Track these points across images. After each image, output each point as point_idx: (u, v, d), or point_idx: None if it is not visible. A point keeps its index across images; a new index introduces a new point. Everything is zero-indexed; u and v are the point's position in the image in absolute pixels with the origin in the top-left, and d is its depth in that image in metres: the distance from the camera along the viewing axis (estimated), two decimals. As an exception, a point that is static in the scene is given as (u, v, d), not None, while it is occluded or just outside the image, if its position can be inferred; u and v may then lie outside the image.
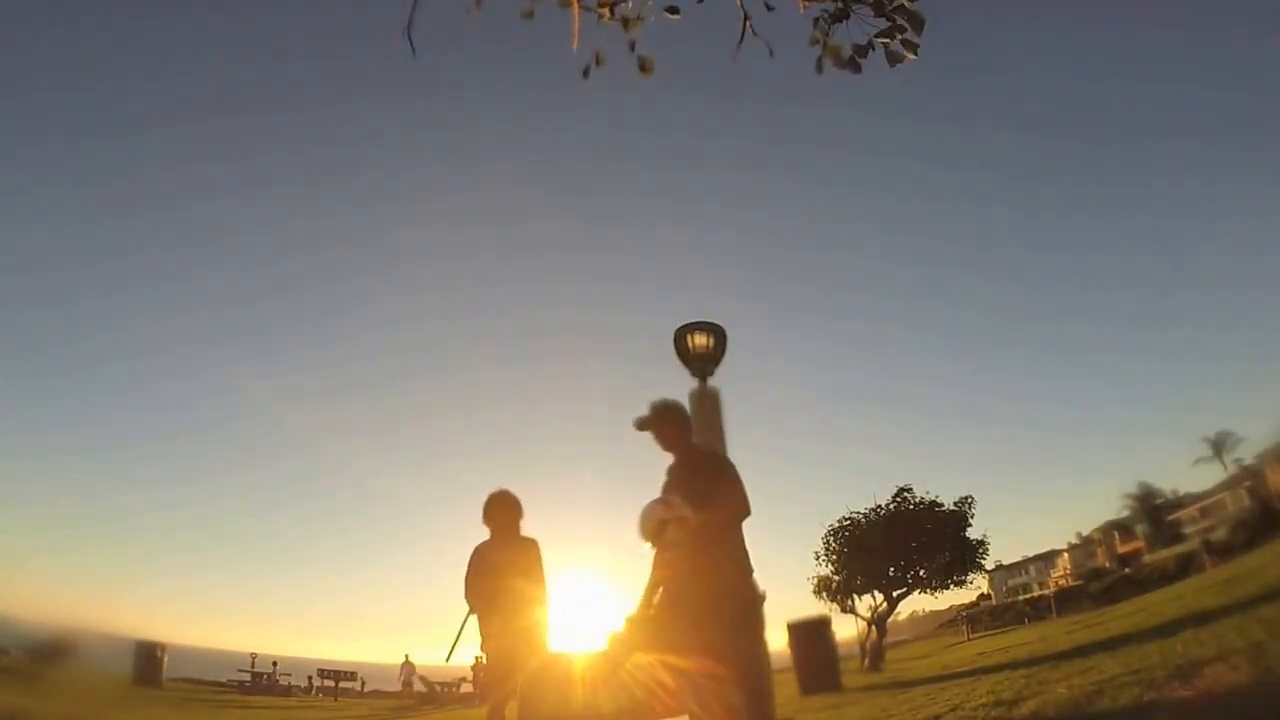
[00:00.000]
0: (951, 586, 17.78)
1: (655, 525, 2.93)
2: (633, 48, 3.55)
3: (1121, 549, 47.40)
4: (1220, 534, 34.67)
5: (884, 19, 3.22)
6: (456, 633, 4.26)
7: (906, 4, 3.22)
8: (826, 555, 18.08)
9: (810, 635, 11.16)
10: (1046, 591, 46.39)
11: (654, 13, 3.51)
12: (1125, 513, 48.37)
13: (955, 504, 17.70)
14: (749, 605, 2.83)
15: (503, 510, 4.41)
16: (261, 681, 19.16)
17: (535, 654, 4.10)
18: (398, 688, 22.28)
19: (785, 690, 8.75)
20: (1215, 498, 40.98)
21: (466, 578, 4.33)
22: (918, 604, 38.10)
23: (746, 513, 3.06)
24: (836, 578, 17.86)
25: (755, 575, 3.02)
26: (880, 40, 3.24)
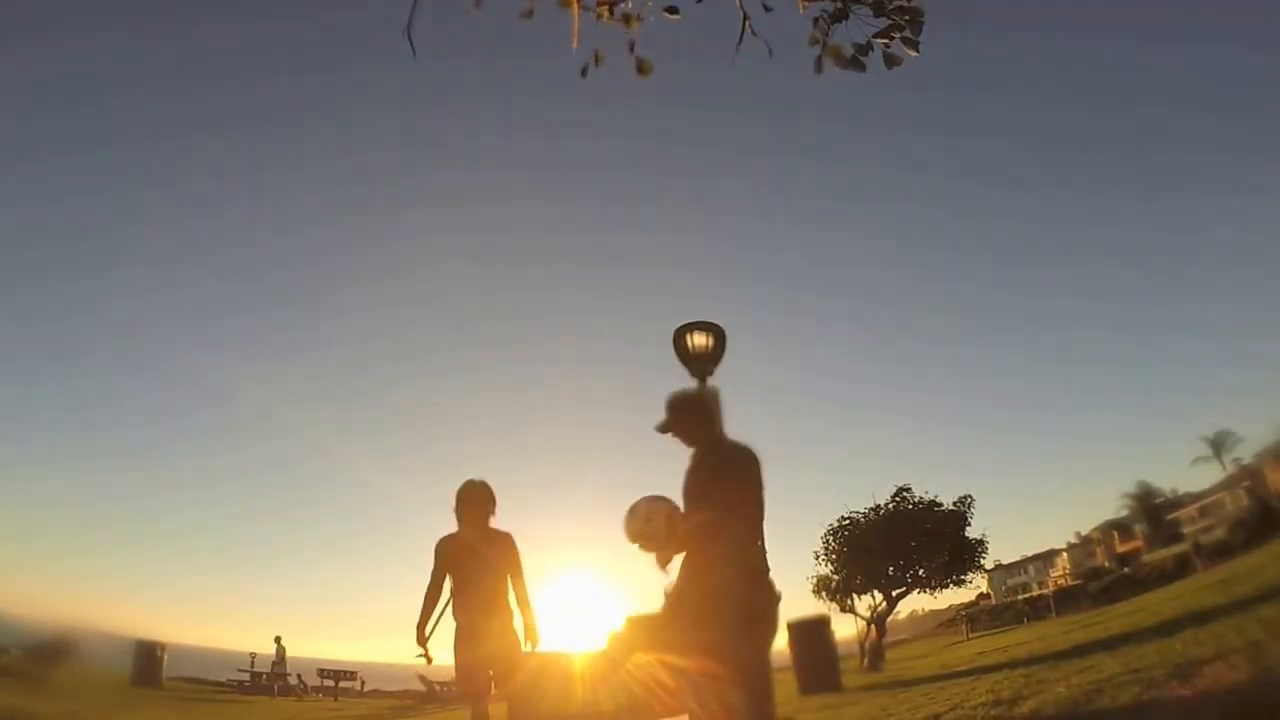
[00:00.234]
0: (951, 586, 17.81)
1: (666, 523, 2.89)
2: (632, 48, 3.55)
3: (1120, 548, 47.44)
4: (1214, 535, 34.70)
5: (884, 18, 3.23)
6: (430, 630, 4.02)
7: (905, 2, 3.22)
8: (826, 555, 18.09)
9: (810, 635, 11.17)
10: (1045, 591, 46.43)
11: (653, 12, 3.52)
12: (1124, 512, 48.46)
13: (954, 503, 17.71)
14: (751, 606, 2.80)
15: (474, 501, 4.16)
16: (261, 681, 19.15)
17: (510, 657, 3.99)
18: (398, 687, 22.29)
19: (784, 689, 8.76)
20: (1214, 497, 41.01)
21: (434, 570, 4.06)
22: (917, 603, 37.93)
23: (760, 516, 2.95)
24: (836, 577, 17.87)
25: (770, 575, 2.95)
26: (879, 41, 3.24)
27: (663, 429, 3.13)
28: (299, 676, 21.49)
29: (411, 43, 3.22)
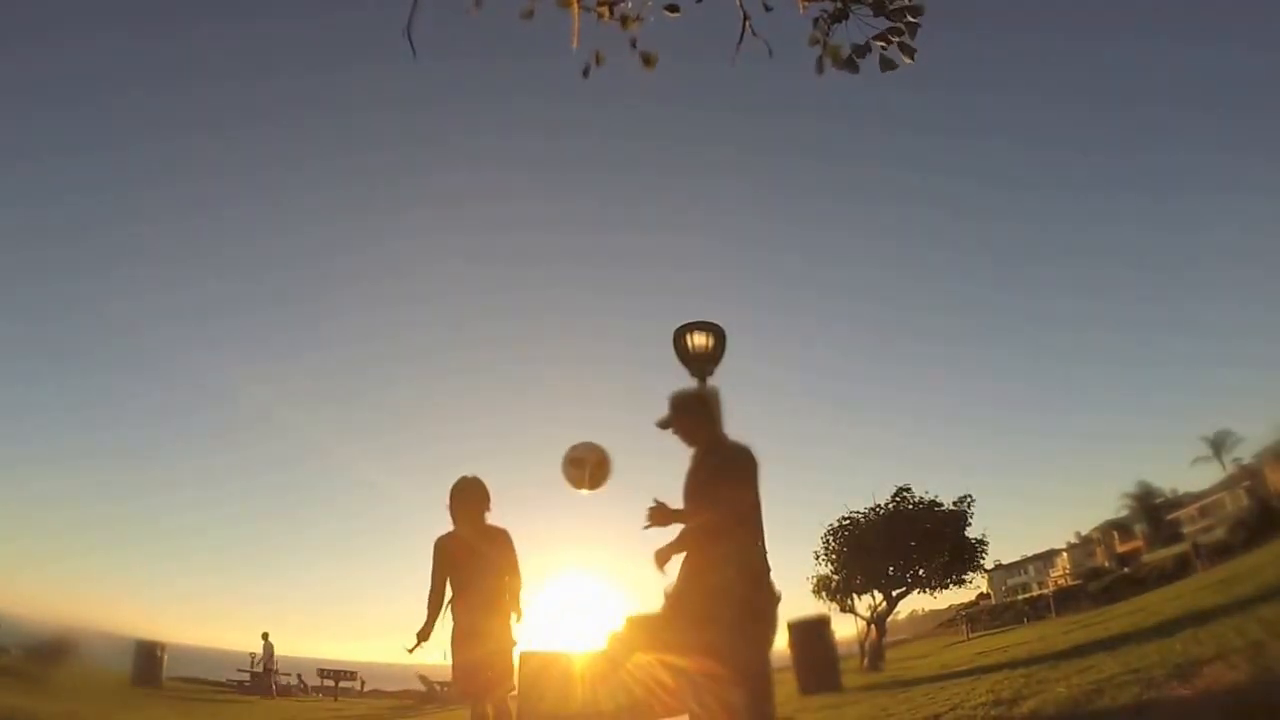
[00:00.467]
0: (951, 586, 17.77)
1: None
2: (634, 45, 3.55)
3: (1120, 548, 47.44)
4: (1214, 535, 34.71)
5: (884, 19, 3.23)
6: (442, 632, 4.00)
7: (906, 2, 3.22)
8: (826, 555, 18.08)
9: (810, 635, 11.16)
10: (1045, 591, 46.44)
11: (653, 12, 3.52)
12: (1124, 512, 48.46)
13: (954, 503, 17.69)
14: (751, 606, 2.80)
15: (470, 498, 4.11)
16: (271, 680, 19.15)
17: (508, 660, 3.97)
18: (398, 687, 22.30)
19: (784, 689, 8.75)
20: (1214, 497, 41.00)
21: (434, 570, 4.04)
22: (917, 603, 37.93)
23: (760, 516, 2.97)
24: (836, 577, 17.86)
25: (771, 576, 2.95)
26: (877, 44, 3.24)
27: (663, 425, 3.15)
28: (299, 677, 21.50)
29: (411, 43, 3.22)
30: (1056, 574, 50.92)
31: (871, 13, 3.23)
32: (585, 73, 3.57)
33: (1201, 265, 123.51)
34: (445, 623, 4.02)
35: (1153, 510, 46.38)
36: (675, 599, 2.88)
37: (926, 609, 45.19)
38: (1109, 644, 7.13)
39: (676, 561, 2.96)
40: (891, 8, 3.20)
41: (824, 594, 18.12)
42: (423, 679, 20.54)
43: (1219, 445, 43.96)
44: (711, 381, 6.24)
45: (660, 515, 2.90)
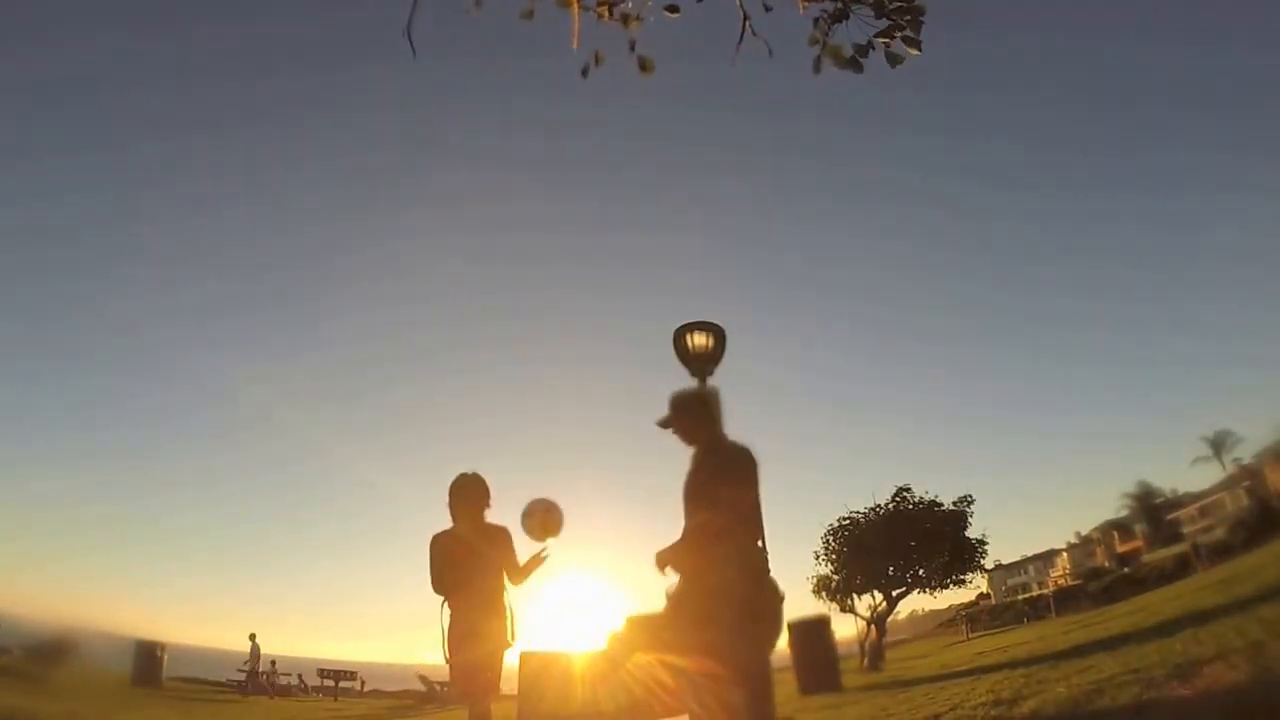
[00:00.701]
0: (951, 586, 17.80)
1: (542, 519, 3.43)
2: (632, 47, 3.55)
3: (1120, 548, 47.44)
4: (1214, 535, 34.71)
5: (884, 18, 3.22)
6: (441, 630, 3.93)
7: (906, 2, 3.22)
8: (826, 555, 18.10)
9: (810, 635, 11.17)
10: (1045, 591, 46.46)
11: (653, 12, 3.52)
12: (1124, 512, 48.46)
13: (954, 503, 17.71)
14: (752, 606, 2.80)
15: (469, 495, 4.05)
16: (262, 681, 19.15)
17: (496, 663, 3.91)
18: (398, 687, 22.31)
19: (784, 689, 8.76)
20: (1214, 497, 41.00)
21: (432, 567, 3.96)
22: (917, 603, 37.95)
23: (760, 516, 2.99)
24: (836, 577, 17.87)
25: (771, 575, 2.96)
26: (880, 40, 3.23)
27: (664, 424, 3.16)
28: (299, 676, 21.51)
29: (411, 43, 3.22)
30: (1056, 574, 50.92)
31: (873, 13, 3.23)
32: (585, 73, 3.57)
33: (1201, 265, 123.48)
34: (440, 623, 3.95)
35: (1153, 510, 46.37)
36: (676, 599, 2.88)
37: (926, 609, 45.26)
38: (1109, 644, 7.13)
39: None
40: (891, 7, 3.20)
41: (824, 594, 18.14)
42: (423, 679, 20.55)
43: (1219, 445, 43.98)
44: (711, 381, 6.24)
45: (664, 559, 2.93)
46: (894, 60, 3.24)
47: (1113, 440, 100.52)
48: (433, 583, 3.96)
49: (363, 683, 22.18)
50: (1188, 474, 56.35)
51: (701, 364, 6.37)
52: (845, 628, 18.76)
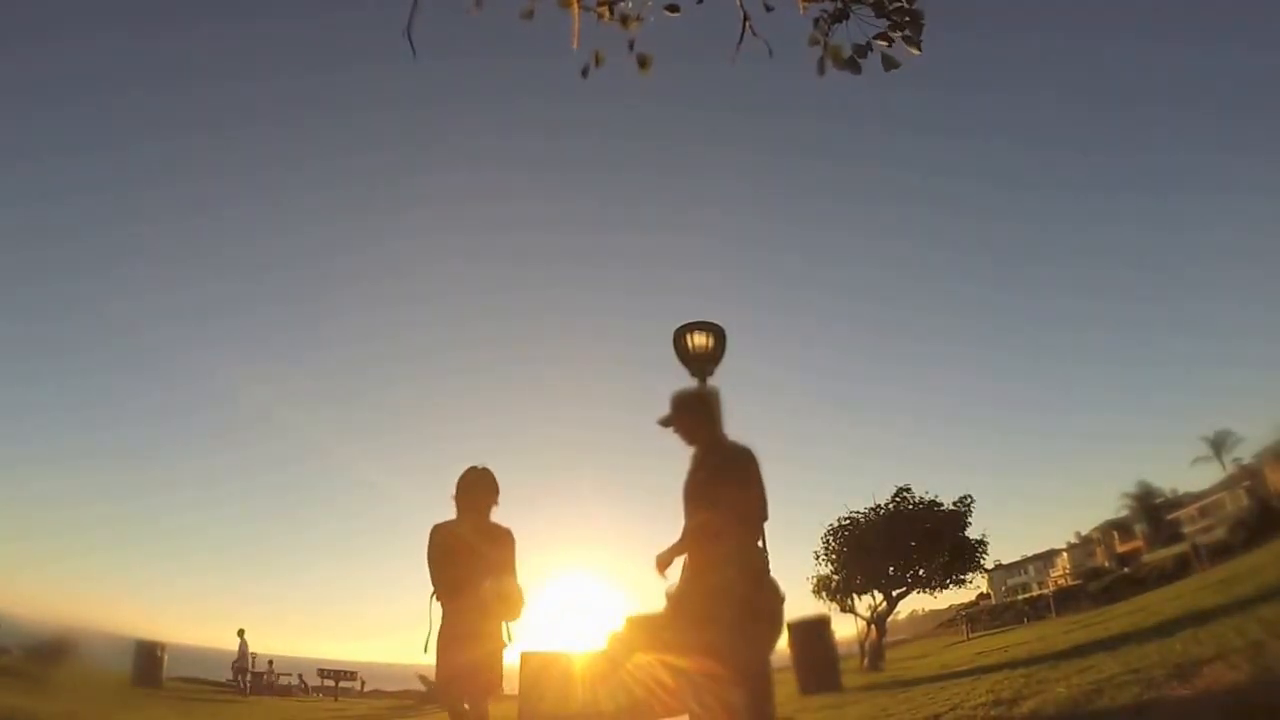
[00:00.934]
0: (951, 586, 17.81)
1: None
2: (632, 47, 3.55)
3: (1120, 548, 47.45)
4: (1215, 535, 34.71)
5: (884, 19, 3.23)
6: (428, 624, 3.79)
7: (906, 3, 3.22)
8: (826, 555, 18.11)
9: (810, 635, 11.17)
10: (1045, 591, 46.48)
11: (653, 12, 3.52)
12: (1124, 512, 48.45)
13: (954, 503, 17.72)
14: (752, 606, 2.80)
15: (478, 490, 3.92)
16: (261, 681, 19.15)
17: (496, 665, 3.79)
18: (398, 687, 22.30)
19: (784, 689, 8.76)
20: (1214, 497, 41.00)
21: (431, 560, 3.82)
22: (917, 603, 38.06)
23: (760, 516, 2.99)
24: (836, 577, 17.88)
25: (771, 575, 2.96)
26: (878, 42, 3.24)
27: (665, 423, 3.17)
28: (299, 676, 21.50)
29: (411, 43, 3.22)
30: (1056, 574, 50.93)
31: (873, 13, 3.23)
32: (585, 73, 3.58)
33: (1201, 265, 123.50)
34: (429, 618, 3.81)
35: (1153, 510, 46.37)
36: (676, 599, 2.88)
37: (926, 609, 45.34)
38: (1109, 644, 7.13)
39: (677, 563, 2.97)
40: (891, 8, 3.20)
41: (824, 594, 18.15)
42: (423, 679, 20.53)
43: (1219, 445, 44.00)
44: (711, 381, 6.25)
45: (664, 561, 2.94)
46: (889, 64, 3.25)
47: (1113, 440, 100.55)
48: (433, 575, 3.83)
49: (363, 683, 22.18)
50: (1188, 474, 56.48)
51: (701, 364, 6.38)
52: (845, 628, 18.80)
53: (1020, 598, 49.31)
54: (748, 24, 3.48)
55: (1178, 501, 45.37)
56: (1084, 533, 52.56)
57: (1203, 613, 7.69)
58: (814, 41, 3.37)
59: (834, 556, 17.88)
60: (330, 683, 20.86)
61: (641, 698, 5.42)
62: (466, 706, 3.78)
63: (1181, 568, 30.71)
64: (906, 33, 3.23)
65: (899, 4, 3.20)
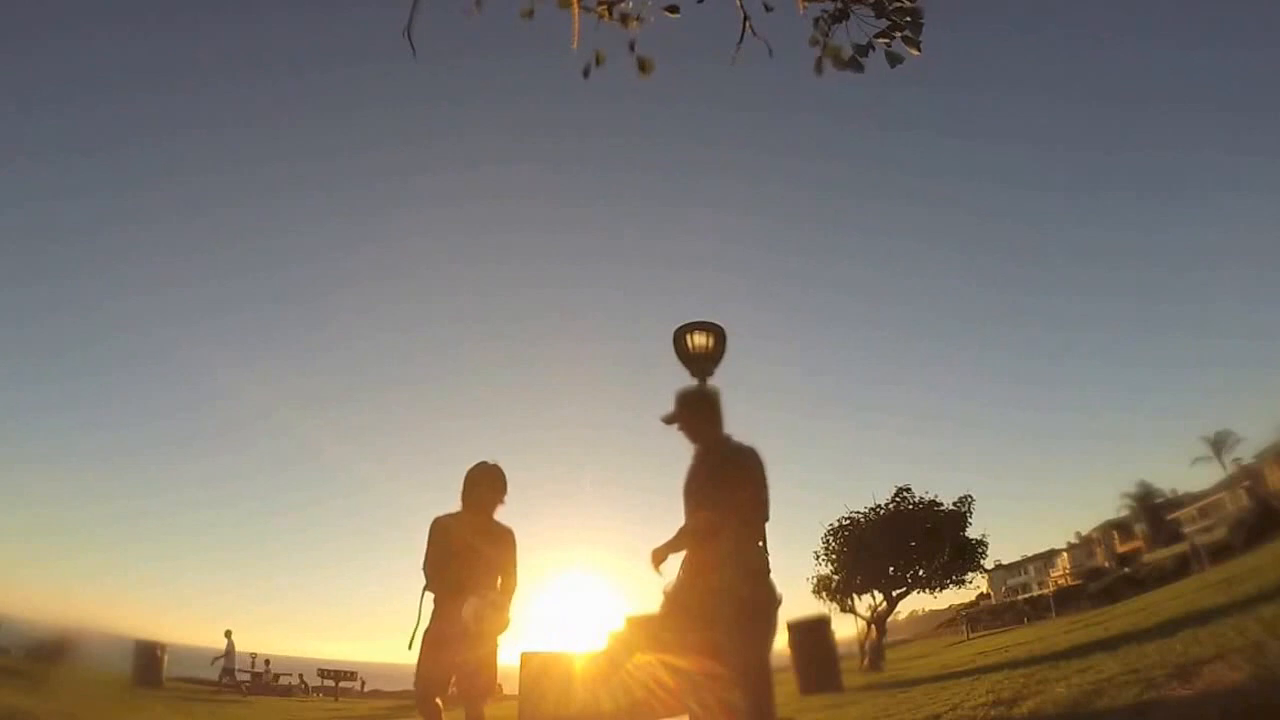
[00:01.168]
0: (951, 586, 17.82)
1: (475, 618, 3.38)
2: (632, 47, 3.55)
3: (1121, 548, 47.43)
4: (1215, 535, 34.67)
5: (884, 19, 3.23)
6: (416, 618, 3.70)
7: (906, 3, 3.22)
8: (826, 555, 18.10)
9: (810, 635, 11.17)
10: (1046, 591, 46.39)
11: (653, 12, 3.52)
12: (1124, 512, 48.42)
13: (954, 504, 17.72)
14: (752, 606, 2.80)
15: (485, 486, 3.85)
16: (261, 681, 19.15)
17: (489, 668, 3.72)
18: (397, 688, 22.28)
19: (785, 689, 8.75)
20: (1214, 497, 40.97)
21: (428, 555, 3.75)
22: (917, 603, 38.11)
23: (760, 516, 2.97)
24: (836, 577, 17.88)
25: (771, 577, 2.95)
26: (880, 41, 3.24)
27: (669, 420, 3.17)
28: (300, 676, 21.50)
29: (411, 43, 3.22)
30: (1056, 574, 50.90)
31: (873, 14, 3.23)
32: (585, 73, 3.57)
33: (1201, 265, 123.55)
34: (418, 611, 3.73)
35: (1153, 510, 46.33)
36: (675, 599, 2.88)
37: (926, 609, 45.30)
38: (1109, 644, 7.13)
39: (674, 561, 2.97)
40: (891, 8, 3.20)
41: (824, 594, 18.15)
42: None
43: (1219, 445, 43.98)
44: (712, 382, 6.24)
45: (659, 556, 2.92)
46: (894, 60, 3.24)
47: (1113, 440, 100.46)
48: (426, 569, 3.76)
49: (363, 683, 22.20)
50: (1188, 474, 56.48)
51: (702, 364, 6.36)
52: (845, 628, 18.79)
53: (1020, 598, 49.23)
54: (748, 24, 3.48)
55: (1178, 501, 45.33)
56: (1084, 533, 52.58)
57: (1203, 613, 7.68)
58: (814, 42, 3.37)
59: (834, 556, 17.88)
60: (331, 683, 20.86)
61: (641, 698, 5.41)
62: (439, 703, 3.69)
63: (1181, 568, 30.65)
64: (906, 33, 3.22)
65: (899, 4, 3.20)
